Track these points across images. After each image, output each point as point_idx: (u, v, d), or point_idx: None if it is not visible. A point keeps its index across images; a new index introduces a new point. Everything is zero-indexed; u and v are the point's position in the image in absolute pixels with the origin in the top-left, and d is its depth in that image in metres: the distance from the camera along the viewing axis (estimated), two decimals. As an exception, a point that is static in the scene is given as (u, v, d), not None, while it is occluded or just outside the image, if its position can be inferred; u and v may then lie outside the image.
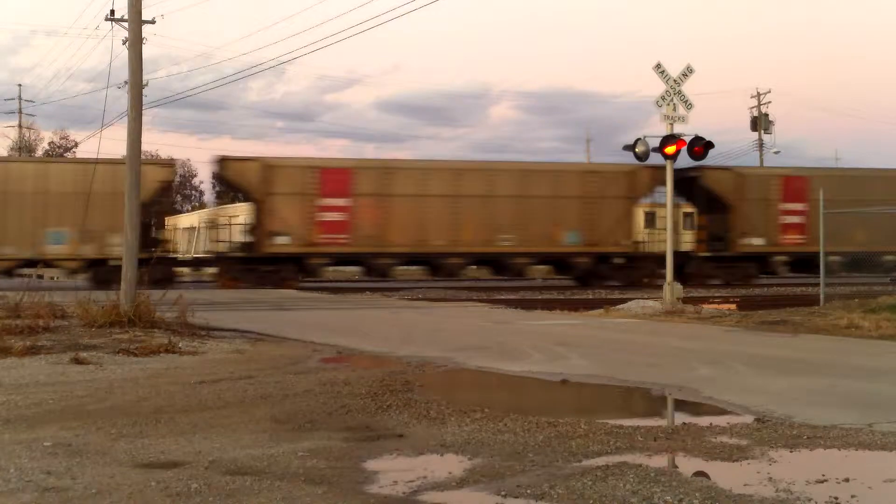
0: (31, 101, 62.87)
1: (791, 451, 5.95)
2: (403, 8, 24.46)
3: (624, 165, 34.83)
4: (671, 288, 19.40)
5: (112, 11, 22.69)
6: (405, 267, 37.00)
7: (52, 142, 65.22)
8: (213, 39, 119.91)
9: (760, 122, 52.94)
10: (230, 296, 25.56)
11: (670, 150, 18.83)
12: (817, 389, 8.58)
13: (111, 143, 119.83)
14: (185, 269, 35.27)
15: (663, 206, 39.65)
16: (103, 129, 31.70)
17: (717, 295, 29.34)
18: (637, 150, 19.19)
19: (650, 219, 39.88)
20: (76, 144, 60.46)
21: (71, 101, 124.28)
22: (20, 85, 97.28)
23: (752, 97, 53.93)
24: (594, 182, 34.35)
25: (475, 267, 36.47)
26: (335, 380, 8.89)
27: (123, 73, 19.47)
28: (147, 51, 20.46)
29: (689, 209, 38.76)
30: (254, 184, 31.86)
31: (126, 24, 17.70)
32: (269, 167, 31.96)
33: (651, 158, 19.45)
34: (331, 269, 35.72)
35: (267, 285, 30.55)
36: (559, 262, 35.96)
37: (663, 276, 35.43)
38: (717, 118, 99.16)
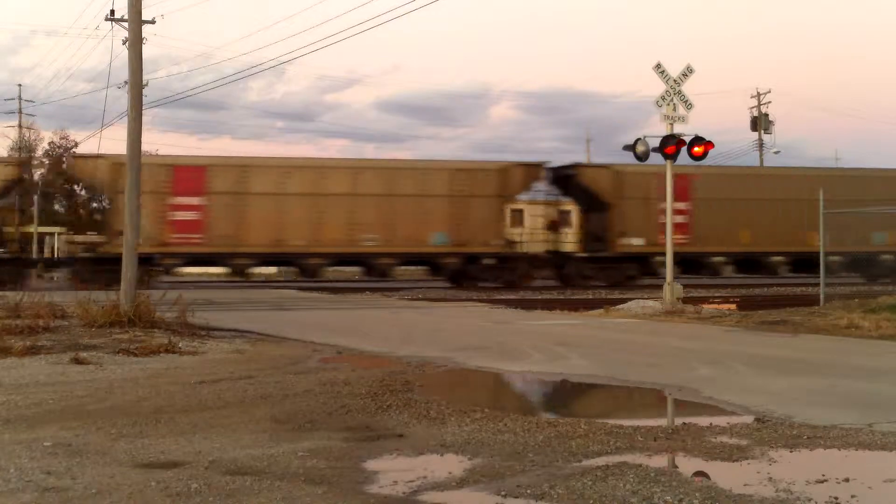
0: (31, 101, 62.58)
1: (791, 451, 5.95)
2: (403, 8, 24.58)
3: (494, 163, 33.81)
4: (671, 288, 19.42)
5: (112, 11, 22.78)
6: (265, 267, 36.23)
7: (52, 142, 65.04)
8: (213, 39, 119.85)
9: (760, 122, 52.93)
10: (230, 296, 25.57)
11: (670, 150, 18.85)
12: (817, 389, 8.58)
13: (111, 143, 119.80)
14: (36, 270, 33.97)
15: (533, 203, 38.99)
16: (103, 129, 31.85)
17: (717, 295, 29.36)
18: (637, 150, 19.21)
19: (519, 218, 38.85)
20: (76, 144, 60.09)
21: (71, 101, 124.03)
22: (20, 85, 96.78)
23: (752, 97, 53.98)
24: (463, 180, 33.07)
25: (340, 267, 35.57)
26: (335, 380, 8.89)
27: (123, 73, 19.55)
28: (147, 51, 20.50)
29: (569, 207, 37.55)
30: (104, 182, 30.89)
31: (126, 24, 17.74)
32: (118, 165, 30.43)
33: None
34: (186, 268, 34.86)
35: (115, 286, 29.90)
36: (428, 263, 35.05)
37: (537, 277, 35.04)
38: (717, 118, 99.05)
